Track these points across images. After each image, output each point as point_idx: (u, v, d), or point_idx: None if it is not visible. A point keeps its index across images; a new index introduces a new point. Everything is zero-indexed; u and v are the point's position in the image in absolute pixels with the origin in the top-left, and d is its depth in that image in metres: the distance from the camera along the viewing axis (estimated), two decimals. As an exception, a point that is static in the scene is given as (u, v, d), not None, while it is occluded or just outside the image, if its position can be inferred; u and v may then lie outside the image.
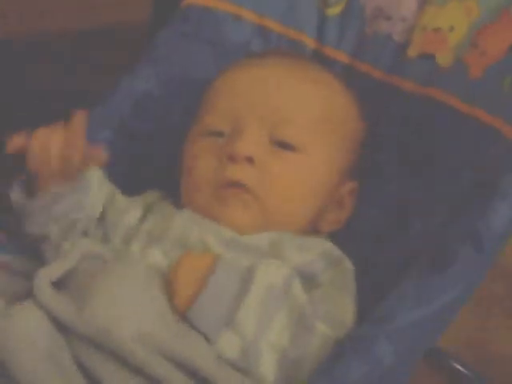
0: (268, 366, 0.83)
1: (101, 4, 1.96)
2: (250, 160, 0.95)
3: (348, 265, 0.95)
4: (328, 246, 0.96)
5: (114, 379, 0.81)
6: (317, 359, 0.84)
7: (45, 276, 0.86)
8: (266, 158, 0.96)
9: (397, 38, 1.10)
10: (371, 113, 1.06)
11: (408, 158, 1.05)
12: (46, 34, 1.91)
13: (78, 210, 0.96)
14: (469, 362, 1.38)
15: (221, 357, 0.82)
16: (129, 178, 1.09)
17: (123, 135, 1.11)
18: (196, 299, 0.83)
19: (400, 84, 1.08)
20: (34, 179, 0.94)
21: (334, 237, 1.01)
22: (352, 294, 0.93)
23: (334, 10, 1.15)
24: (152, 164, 1.11)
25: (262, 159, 0.95)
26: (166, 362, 0.81)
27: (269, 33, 1.16)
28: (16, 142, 0.94)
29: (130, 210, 0.99)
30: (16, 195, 0.95)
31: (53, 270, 0.87)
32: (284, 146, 0.97)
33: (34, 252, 0.97)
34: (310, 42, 1.16)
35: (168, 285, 0.86)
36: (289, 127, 0.97)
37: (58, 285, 0.87)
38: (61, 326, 0.83)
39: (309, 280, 0.90)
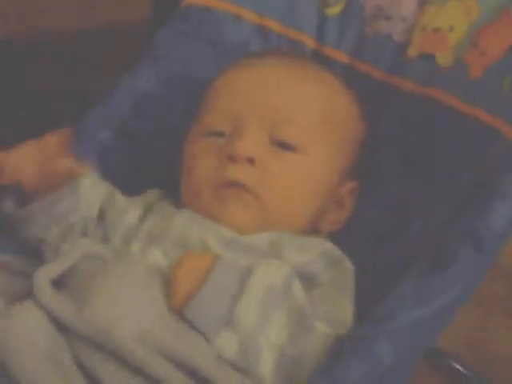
0: (267, 365, 0.83)
1: (101, 4, 1.96)
2: (250, 160, 0.95)
3: (348, 265, 0.95)
4: (328, 245, 0.96)
5: (113, 379, 0.81)
6: (316, 359, 0.84)
7: (44, 275, 0.86)
8: (266, 158, 0.96)
9: (397, 37, 1.10)
10: (371, 113, 1.06)
11: (408, 158, 1.05)
12: (46, 34, 1.91)
13: (71, 214, 0.96)
14: (469, 362, 1.38)
15: (220, 356, 0.82)
16: (129, 178, 1.09)
17: (123, 135, 1.11)
18: (194, 297, 0.83)
19: (400, 84, 1.09)
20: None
21: (333, 237, 1.01)
22: (351, 294, 0.93)
23: (334, 10, 1.15)
24: (152, 164, 1.11)
25: (262, 159, 0.95)
26: (166, 362, 0.81)
27: (268, 33, 1.16)
28: None
29: (129, 210, 0.99)
30: (6, 205, 0.96)
31: (52, 269, 0.87)
32: (284, 146, 0.97)
33: (34, 252, 0.97)
34: (309, 42, 1.16)
35: (167, 284, 0.86)
36: (289, 127, 0.97)
37: (58, 284, 0.87)
38: (61, 326, 0.83)
39: (308, 280, 0.90)
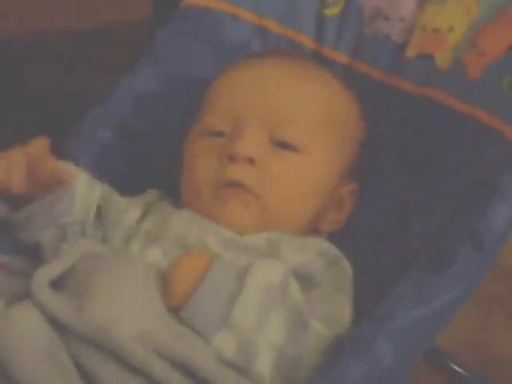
0: (265, 364, 0.83)
1: (101, 4, 1.96)
2: (250, 160, 0.95)
3: (346, 264, 0.95)
4: (326, 245, 0.96)
5: (113, 379, 0.81)
6: (312, 359, 0.84)
7: (43, 276, 0.86)
8: (266, 158, 0.96)
9: (395, 38, 1.10)
10: (371, 113, 1.06)
11: (408, 158, 1.05)
12: (46, 34, 1.91)
13: (67, 215, 0.96)
14: (469, 362, 1.38)
15: (219, 357, 0.82)
16: (129, 178, 1.09)
17: (123, 135, 1.11)
18: (192, 297, 0.83)
19: (399, 84, 1.09)
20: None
21: (333, 237, 1.01)
22: (350, 294, 0.93)
23: (333, 11, 1.15)
24: (152, 164, 1.11)
25: (262, 159, 0.95)
26: (166, 362, 0.81)
27: (268, 33, 1.16)
28: None
29: (129, 210, 0.99)
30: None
31: (51, 270, 0.87)
32: (284, 146, 0.97)
33: (34, 252, 0.97)
34: (308, 43, 1.16)
35: (166, 284, 0.86)
36: (289, 127, 0.97)
37: (58, 284, 0.87)
38: (59, 327, 0.83)
39: (307, 280, 0.90)
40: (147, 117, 1.13)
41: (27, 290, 0.85)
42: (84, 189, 0.98)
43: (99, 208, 0.99)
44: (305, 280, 0.90)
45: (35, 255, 0.97)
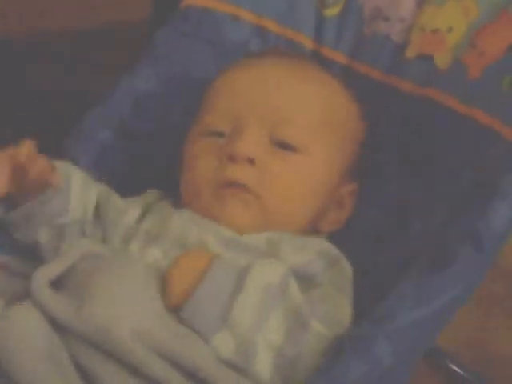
0: (264, 364, 0.83)
1: (101, 4, 1.96)
2: (250, 161, 0.95)
3: (346, 264, 0.95)
4: (326, 245, 0.96)
5: (113, 379, 0.81)
6: (312, 359, 0.84)
7: (43, 276, 0.86)
8: (266, 158, 0.96)
9: (395, 38, 1.10)
10: (371, 113, 1.06)
11: (408, 158, 1.05)
12: (46, 34, 1.90)
13: (62, 215, 0.96)
14: (469, 362, 1.38)
15: (219, 356, 0.82)
16: (129, 178, 1.09)
17: (123, 135, 1.11)
18: (191, 296, 0.83)
19: (398, 85, 1.09)
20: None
21: (333, 237, 1.01)
22: (350, 294, 0.93)
23: (332, 11, 1.15)
24: (152, 164, 1.11)
25: (262, 159, 0.95)
26: (166, 362, 0.81)
27: (267, 33, 1.16)
28: None
29: (129, 210, 0.99)
30: None
31: (51, 270, 0.87)
32: (284, 146, 0.97)
33: (33, 252, 0.97)
34: (308, 43, 1.16)
35: (165, 284, 0.86)
36: (289, 127, 0.97)
37: (57, 284, 0.87)
38: (59, 327, 0.83)
39: (307, 280, 0.90)
40: (147, 117, 1.13)
41: (27, 290, 0.85)
42: (79, 188, 0.98)
43: (97, 208, 0.99)
44: (305, 280, 0.90)
45: (34, 255, 0.97)
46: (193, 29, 1.15)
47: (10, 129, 1.63)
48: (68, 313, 0.82)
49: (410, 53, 1.09)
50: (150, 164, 1.11)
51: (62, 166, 0.98)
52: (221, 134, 0.98)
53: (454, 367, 1.37)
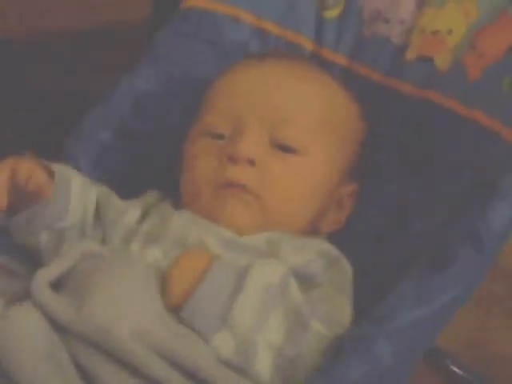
0: (264, 364, 0.83)
1: (101, 4, 1.96)
2: (250, 162, 0.95)
3: (346, 264, 0.95)
4: (326, 246, 0.96)
5: (113, 379, 0.81)
6: (312, 359, 0.84)
7: (43, 276, 0.86)
8: (266, 159, 0.96)
9: (395, 40, 1.10)
10: (370, 113, 1.06)
11: (408, 158, 1.05)
12: (46, 34, 1.90)
13: (63, 218, 0.96)
14: (469, 362, 1.38)
15: (219, 356, 0.82)
16: (129, 178, 1.09)
17: (123, 135, 1.11)
18: (191, 296, 0.83)
19: (398, 87, 1.09)
20: None
21: (333, 237, 1.01)
22: (350, 294, 0.93)
23: (332, 13, 1.15)
24: (152, 164, 1.11)
25: (262, 159, 0.95)
26: (166, 362, 0.81)
27: (267, 35, 1.16)
28: None
29: (129, 211, 0.99)
30: None
31: (51, 270, 0.87)
32: (284, 148, 0.97)
33: (34, 253, 0.97)
34: (307, 45, 1.16)
35: (165, 284, 0.86)
36: (289, 127, 0.97)
37: (58, 285, 0.87)
38: (59, 327, 0.83)
39: (307, 280, 0.90)
40: (147, 117, 1.13)
41: (27, 290, 0.85)
42: (79, 189, 0.98)
43: (97, 209, 0.99)
44: (305, 280, 0.90)
45: (34, 256, 0.97)
46: (193, 29, 1.15)
47: (9, 129, 1.63)
48: (68, 313, 0.82)
49: (410, 55, 1.09)
50: (150, 164, 1.11)
51: (61, 169, 0.97)
52: (221, 136, 0.98)
53: (454, 367, 1.37)
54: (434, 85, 1.05)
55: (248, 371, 0.82)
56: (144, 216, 0.99)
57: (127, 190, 1.02)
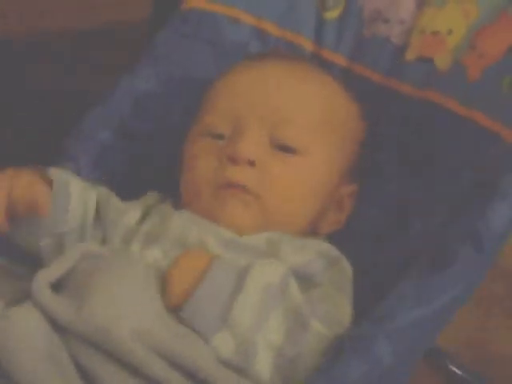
0: (264, 364, 0.82)
1: (101, 4, 1.96)
2: (250, 163, 0.95)
3: (346, 264, 0.95)
4: (325, 246, 0.96)
5: (113, 379, 0.81)
6: (312, 359, 0.84)
7: (44, 277, 0.86)
8: (266, 159, 0.96)
9: (395, 40, 1.10)
10: (370, 113, 1.06)
11: (408, 158, 1.05)
12: (46, 34, 1.90)
13: (63, 220, 0.95)
14: (469, 362, 1.38)
15: (218, 357, 0.82)
16: (129, 178, 1.09)
17: (123, 135, 1.11)
18: (191, 296, 0.83)
19: (398, 87, 1.09)
20: None
21: (333, 237, 1.01)
22: (350, 294, 0.93)
23: (332, 14, 1.15)
24: (152, 164, 1.11)
25: (262, 160, 0.95)
26: (166, 362, 0.81)
27: (267, 36, 1.16)
28: None
29: (129, 211, 0.99)
30: None
31: (51, 272, 0.87)
32: (285, 149, 0.97)
33: (34, 254, 0.97)
34: (307, 45, 1.16)
35: (165, 284, 0.86)
36: (289, 127, 0.97)
37: (58, 285, 0.87)
38: (59, 327, 0.83)
39: (307, 280, 0.90)
40: (147, 117, 1.13)
41: (27, 291, 0.85)
42: (79, 192, 0.97)
43: (98, 210, 0.99)
44: (305, 280, 0.90)
45: (34, 257, 0.97)
46: (193, 30, 1.15)
47: (9, 129, 1.63)
48: (68, 313, 0.82)
49: (410, 55, 1.09)
50: (150, 164, 1.11)
51: (60, 175, 0.97)
52: (221, 137, 0.98)
53: (454, 367, 1.37)
54: (434, 85, 1.05)
55: (248, 371, 0.82)
56: (144, 216, 0.99)
57: (127, 190, 1.02)
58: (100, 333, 0.81)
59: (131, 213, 0.98)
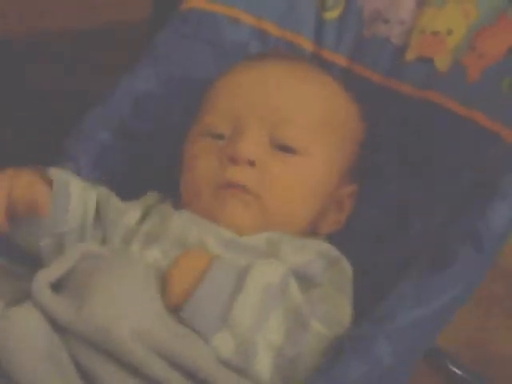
0: (264, 364, 0.82)
1: (101, 4, 1.96)
2: (251, 163, 0.95)
3: (346, 265, 0.95)
4: (325, 246, 0.96)
5: (113, 379, 0.81)
6: (312, 359, 0.84)
7: (43, 278, 0.86)
8: (267, 159, 0.96)
9: (395, 40, 1.10)
10: (370, 114, 1.06)
11: (407, 159, 1.05)
12: (46, 34, 1.90)
13: (63, 220, 0.95)
14: (469, 362, 1.38)
15: (218, 357, 0.82)
16: (129, 178, 1.09)
17: (123, 135, 1.11)
18: (191, 296, 0.83)
19: (398, 87, 1.09)
20: None
21: (333, 237, 1.01)
22: (350, 294, 0.93)
23: (332, 14, 1.15)
24: (152, 164, 1.11)
25: (263, 159, 0.95)
26: (166, 362, 0.81)
27: (267, 36, 1.16)
28: None
29: (129, 211, 0.99)
30: None
31: (51, 272, 0.87)
32: (285, 149, 0.97)
33: (34, 255, 0.97)
34: (307, 45, 1.16)
35: (165, 283, 0.86)
36: (289, 127, 0.97)
37: (58, 285, 0.87)
38: (59, 327, 0.83)
39: (307, 280, 0.90)
40: (147, 117, 1.13)
41: (27, 291, 0.85)
42: (79, 193, 0.97)
43: (98, 210, 0.99)
44: (305, 280, 0.90)
45: (34, 257, 0.97)
46: (193, 30, 1.15)
47: (9, 129, 1.63)
48: (68, 313, 0.82)
49: (410, 55, 1.09)
50: (150, 164, 1.11)
51: (60, 175, 0.97)
52: (221, 137, 0.98)
53: (454, 367, 1.37)
54: (434, 85, 1.05)
55: (248, 371, 0.82)
56: (144, 216, 0.99)
57: (127, 190, 1.02)
58: (100, 333, 0.81)
59: (131, 213, 0.98)
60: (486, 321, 1.47)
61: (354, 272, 0.95)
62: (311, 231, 1.00)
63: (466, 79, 1.03)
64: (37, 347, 0.81)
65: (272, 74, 1.01)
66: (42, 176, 0.95)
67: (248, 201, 0.95)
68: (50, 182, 0.95)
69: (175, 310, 0.84)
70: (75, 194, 0.96)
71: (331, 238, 1.00)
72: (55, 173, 0.96)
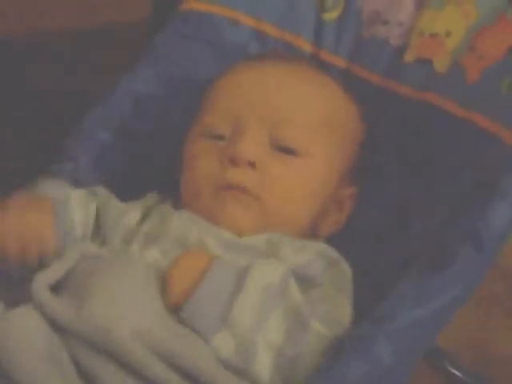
0: (264, 364, 0.82)
1: (101, 4, 1.96)
2: (251, 164, 0.95)
3: (345, 266, 0.94)
4: (324, 247, 0.96)
5: (113, 379, 0.81)
6: (312, 359, 0.84)
7: (44, 278, 0.86)
8: (267, 159, 0.96)
9: (394, 42, 1.10)
10: (369, 115, 1.06)
11: (407, 159, 1.05)
12: (46, 34, 1.91)
13: (67, 233, 0.95)
14: (469, 363, 1.38)
15: (218, 357, 0.82)
16: (129, 178, 1.09)
17: (123, 135, 1.11)
18: (191, 296, 0.83)
19: (397, 89, 1.09)
20: None
21: (333, 237, 1.01)
22: (349, 294, 0.93)
23: (332, 15, 1.15)
24: (152, 164, 1.11)
25: (263, 160, 0.95)
26: (165, 362, 0.81)
27: (266, 37, 1.16)
28: None
29: (129, 212, 0.99)
30: None
31: (51, 273, 0.87)
32: (285, 150, 0.97)
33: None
34: (306, 47, 1.16)
35: (165, 283, 0.86)
36: (289, 128, 0.97)
37: (58, 285, 0.87)
38: (59, 327, 0.83)
39: (307, 280, 0.90)
40: (147, 117, 1.13)
41: (27, 293, 0.85)
42: (79, 203, 0.97)
43: (98, 215, 0.98)
44: (305, 280, 0.90)
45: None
46: (193, 30, 1.16)
47: (9, 129, 1.63)
48: (68, 313, 0.82)
49: (409, 57, 1.09)
50: (150, 164, 1.11)
51: (58, 184, 0.96)
52: (221, 137, 0.98)
53: (454, 368, 1.37)
54: (433, 87, 1.05)
55: (248, 371, 0.82)
56: (144, 217, 0.99)
57: (127, 190, 1.02)
58: (100, 333, 0.81)
59: (131, 213, 0.98)
60: (486, 321, 1.47)
61: (354, 272, 0.95)
62: (311, 232, 1.00)
63: (465, 80, 1.03)
64: (37, 347, 0.81)
65: (272, 74, 1.01)
66: (38, 201, 0.94)
67: (248, 202, 0.95)
68: (47, 204, 0.94)
69: (175, 309, 0.84)
70: (78, 219, 0.96)
71: (331, 238, 1.00)
72: (52, 183, 0.96)
